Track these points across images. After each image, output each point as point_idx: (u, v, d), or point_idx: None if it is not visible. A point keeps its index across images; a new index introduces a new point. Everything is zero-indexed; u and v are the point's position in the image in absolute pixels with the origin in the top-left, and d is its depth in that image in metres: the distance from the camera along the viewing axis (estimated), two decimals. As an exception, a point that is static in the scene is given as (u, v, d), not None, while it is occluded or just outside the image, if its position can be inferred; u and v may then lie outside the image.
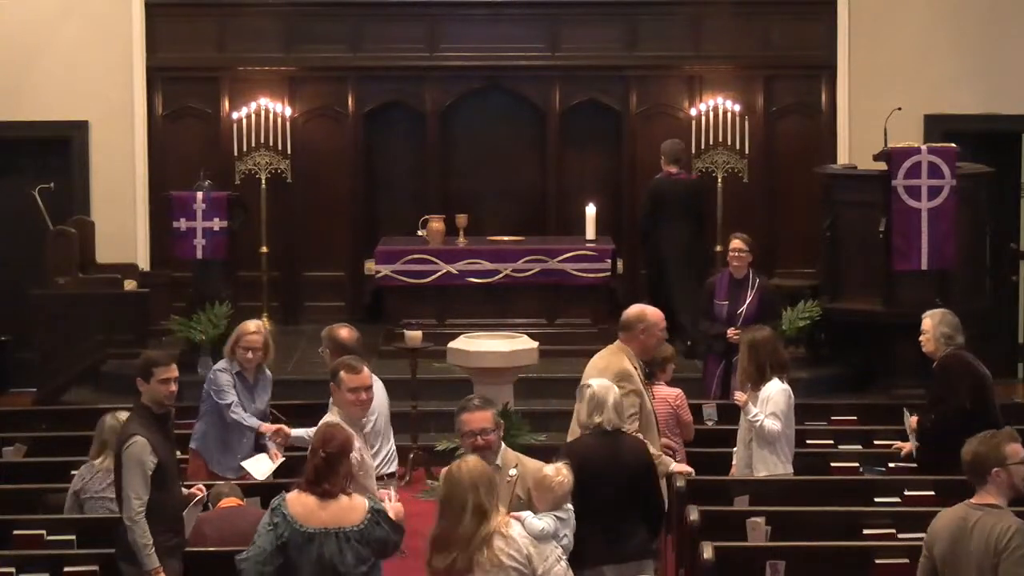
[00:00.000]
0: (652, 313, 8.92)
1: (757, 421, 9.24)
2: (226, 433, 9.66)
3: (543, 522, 7.06)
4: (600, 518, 7.66)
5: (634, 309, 9.02)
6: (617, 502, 7.77)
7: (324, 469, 6.98)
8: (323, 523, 6.91)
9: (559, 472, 7.32)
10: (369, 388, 7.96)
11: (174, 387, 7.91)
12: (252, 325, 9.88)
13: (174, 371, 7.96)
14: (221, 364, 9.86)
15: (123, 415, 8.66)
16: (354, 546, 6.89)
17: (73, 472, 9.24)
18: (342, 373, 7.91)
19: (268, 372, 9.97)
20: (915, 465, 9.78)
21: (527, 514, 7.06)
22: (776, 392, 9.33)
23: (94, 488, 8.77)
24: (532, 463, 7.40)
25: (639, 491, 7.79)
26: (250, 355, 9.71)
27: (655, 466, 8.18)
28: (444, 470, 6.79)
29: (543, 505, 7.22)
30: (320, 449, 7.06)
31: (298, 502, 6.99)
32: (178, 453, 8.56)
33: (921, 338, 9.65)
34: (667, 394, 9.98)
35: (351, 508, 6.97)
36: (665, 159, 14.51)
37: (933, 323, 9.60)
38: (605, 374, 8.47)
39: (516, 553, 6.62)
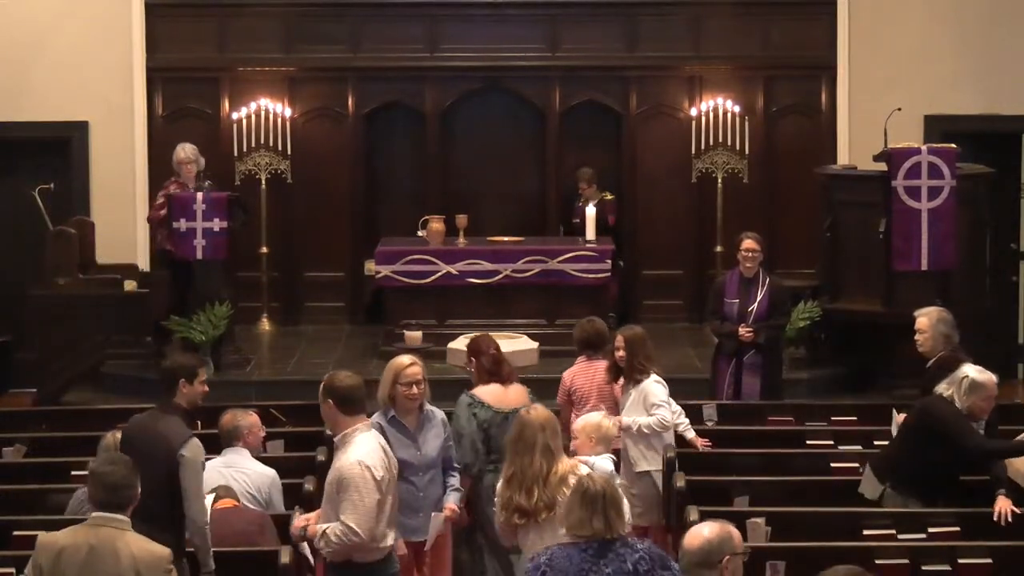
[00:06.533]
0: None
1: (642, 424, 9.67)
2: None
3: (610, 464, 8.20)
4: None
5: None
6: None
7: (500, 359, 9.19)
8: (512, 404, 8.82)
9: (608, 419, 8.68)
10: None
11: (208, 388, 8.25)
12: (406, 359, 8.64)
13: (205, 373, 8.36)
14: (374, 418, 8.23)
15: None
16: None
17: (75, 473, 9.22)
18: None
19: (438, 413, 8.72)
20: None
21: (593, 458, 8.11)
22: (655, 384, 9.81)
23: None
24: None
25: None
26: (414, 389, 8.49)
27: None
28: (516, 418, 7.60)
29: (600, 449, 8.34)
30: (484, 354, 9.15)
31: (488, 392, 9.06)
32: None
33: (918, 337, 9.55)
34: (599, 365, 10.17)
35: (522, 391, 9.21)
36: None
37: (931, 322, 9.50)
38: None
39: None
